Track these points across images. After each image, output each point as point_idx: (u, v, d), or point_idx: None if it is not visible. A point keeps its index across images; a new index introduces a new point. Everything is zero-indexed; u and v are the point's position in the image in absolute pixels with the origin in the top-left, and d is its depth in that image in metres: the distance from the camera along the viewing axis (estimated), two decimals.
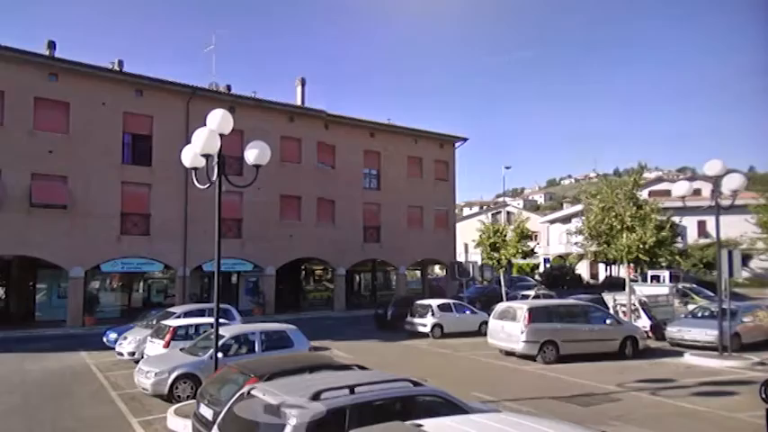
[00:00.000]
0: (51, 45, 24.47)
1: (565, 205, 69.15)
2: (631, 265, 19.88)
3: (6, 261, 23.73)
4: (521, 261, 37.57)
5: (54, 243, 21.93)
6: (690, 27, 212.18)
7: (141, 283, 26.81)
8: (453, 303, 21.44)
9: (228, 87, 29.35)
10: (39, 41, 54.08)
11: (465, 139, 36.67)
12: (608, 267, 46.71)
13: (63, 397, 11.01)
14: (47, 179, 22.14)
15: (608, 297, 19.73)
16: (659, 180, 55.46)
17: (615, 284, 33.07)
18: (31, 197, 21.59)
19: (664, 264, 25.89)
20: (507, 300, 21.84)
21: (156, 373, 10.27)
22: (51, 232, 21.92)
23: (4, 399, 10.79)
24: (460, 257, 31.56)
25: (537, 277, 47.49)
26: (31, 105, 21.98)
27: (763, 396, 5.93)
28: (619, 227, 18.29)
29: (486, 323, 18.00)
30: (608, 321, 15.47)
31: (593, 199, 19.62)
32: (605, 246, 19.33)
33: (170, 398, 10.08)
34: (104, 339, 16.59)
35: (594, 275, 49.88)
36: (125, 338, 14.86)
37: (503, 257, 24.03)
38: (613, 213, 18.42)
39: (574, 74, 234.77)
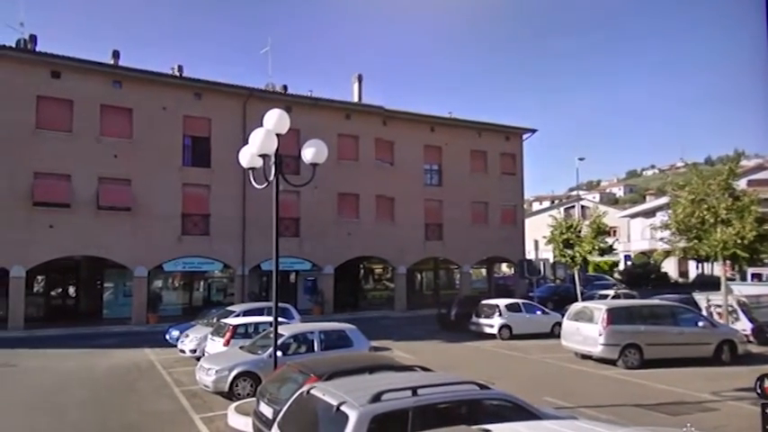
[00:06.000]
0: (116, 54, 26.24)
1: (648, 198, 65.84)
2: (728, 262, 18.73)
3: (76, 261, 25.66)
4: (597, 258, 35.94)
5: (119, 244, 23.47)
6: None
7: (202, 282, 28.20)
8: (523, 303, 21.12)
9: (285, 87, 30.13)
10: (104, 51, 57.89)
11: (533, 131, 35.81)
12: (699, 265, 44.12)
13: (129, 392, 11.76)
14: (112, 183, 23.74)
15: (700, 297, 18.79)
16: (760, 168, 51.37)
17: (708, 283, 31.22)
18: (98, 200, 23.22)
19: (767, 260, 24.05)
20: (583, 300, 21.12)
21: (216, 371, 10.73)
22: (117, 233, 23.46)
23: (74, 392, 11.66)
24: (530, 255, 30.82)
25: (616, 276, 45.66)
26: (98, 112, 23.64)
27: (759, 391, 5.81)
28: (712, 220, 17.29)
29: (559, 324, 17.65)
30: (700, 324, 14.73)
31: (681, 190, 18.65)
32: (696, 241, 18.36)
33: (230, 395, 10.53)
34: (167, 337, 17.56)
35: (684, 273, 47.27)
36: (186, 336, 15.67)
37: (577, 255, 23.18)
38: (705, 206, 17.42)
39: (656, 54, 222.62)
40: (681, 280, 45.12)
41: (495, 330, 19.67)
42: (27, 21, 62.67)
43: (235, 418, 9.06)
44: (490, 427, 4.28)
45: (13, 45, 23.43)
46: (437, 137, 32.47)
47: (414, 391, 5.30)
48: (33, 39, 24.82)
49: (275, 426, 5.86)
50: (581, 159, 47.01)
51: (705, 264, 41.92)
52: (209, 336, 14.25)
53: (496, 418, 5.06)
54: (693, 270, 46.56)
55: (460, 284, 33.55)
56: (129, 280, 24.71)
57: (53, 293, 26.95)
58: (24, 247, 21.68)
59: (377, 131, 30.47)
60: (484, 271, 37.78)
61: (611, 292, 25.68)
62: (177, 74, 27.17)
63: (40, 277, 25.69)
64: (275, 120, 8.71)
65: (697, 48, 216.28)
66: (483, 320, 20.31)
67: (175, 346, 16.18)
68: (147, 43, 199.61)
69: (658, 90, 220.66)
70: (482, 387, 5.81)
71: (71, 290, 27.65)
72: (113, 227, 23.49)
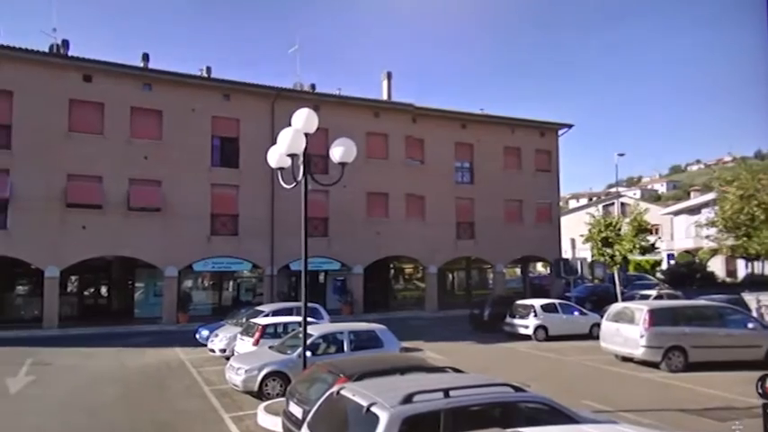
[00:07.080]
0: (145, 57, 26.94)
1: (692, 194, 63.90)
2: None
3: (108, 261, 26.48)
4: (639, 257, 35.25)
5: (150, 244, 24.10)
6: None
7: (231, 282, 28.71)
8: (559, 303, 20.86)
9: (313, 86, 30.42)
10: (132, 53, 59.67)
11: (570, 126, 35.29)
12: (749, 264, 42.59)
13: (160, 390, 12.06)
14: (143, 184, 24.37)
15: (750, 298, 18.20)
16: None
17: (759, 283, 30.22)
18: (128, 201, 23.88)
19: None
20: (623, 300, 20.66)
21: (246, 371, 10.90)
22: (147, 234, 24.09)
23: (107, 391, 12.02)
24: (566, 254, 30.34)
25: (659, 275, 44.52)
26: (128, 115, 24.34)
27: (760, 391, 5.89)
28: (762, 217, 16.80)
29: (597, 325, 17.39)
30: (750, 325, 14.30)
31: (729, 186, 18.15)
32: (745, 239, 17.90)
33: (260, 395, 10.69)
34: (197, 336, 17.93)
35: (732, 273, 45.68)
36: (216, 336, 15.99)
37: (617, 253, 22.71)
38: (755, 202, 16.95)
39: (700, 43, 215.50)
40: (729, 279, 43.63)
41: (530, 331, 19.46)
42: (59, 26, 65.01)
43: (264, 418, 9.19)
44: (525, 430, 4.22)
45: (47, 50, 24.30)
46: (469, 134, 32.26)
47: (446, 392, 5.27)
48: (66, 44, 25.64)
49: (305, 426, 5.91)
50: (621, 155, 46.05)
51: (755, 262, 40.50)
52: (239, 335, 14.50)
53: (532, 422, 4.99)
54: (742, 269, 44.97)
55: (494, 284, 33.24)
56: (159, 280, 25.34)
57: (86, 293, 27.90)
58: (58, 248, 22.47)
59: (406, 129, 30.47)
60: (518, 270, 37.34)
61: (653, 293, 25.04)
62: (206, 75, 27.75)
63: (73, 277, 26.61)
64: (303, 119, 8.81)
65: (743, 36, 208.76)
66: (517, 321, 20.10)
67: (205, 345, 16.53)
68: (176, 46, 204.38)
69: (704, 82, 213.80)
70: (517, 389, 5.74)
71: (103, 289, 28.61)
72: (144, 227, 24.12)
